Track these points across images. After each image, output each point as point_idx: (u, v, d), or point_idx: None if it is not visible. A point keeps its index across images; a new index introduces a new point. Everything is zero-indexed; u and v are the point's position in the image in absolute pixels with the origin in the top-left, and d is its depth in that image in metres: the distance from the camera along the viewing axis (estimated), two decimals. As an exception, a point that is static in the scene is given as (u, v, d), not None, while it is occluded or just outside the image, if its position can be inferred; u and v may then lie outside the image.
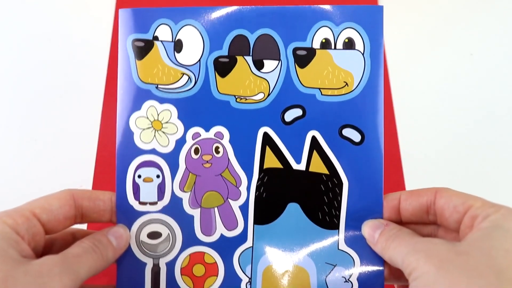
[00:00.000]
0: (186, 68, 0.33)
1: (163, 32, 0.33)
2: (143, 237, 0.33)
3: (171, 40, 0.33)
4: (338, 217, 0.32)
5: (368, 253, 0.32)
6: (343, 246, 0.32)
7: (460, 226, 0.28)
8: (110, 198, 0.33)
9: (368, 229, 0.31)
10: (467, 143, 0.53)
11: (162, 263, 0.33)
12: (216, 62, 0.33)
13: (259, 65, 0.32)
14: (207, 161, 0.33)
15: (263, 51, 0.32)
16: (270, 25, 0.32)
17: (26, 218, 0.28)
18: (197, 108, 0.33)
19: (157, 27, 0.33)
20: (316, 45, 0.32)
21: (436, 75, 0.57)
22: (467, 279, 0.24)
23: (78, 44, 0.57)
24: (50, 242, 0.32)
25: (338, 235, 0.32)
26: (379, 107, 0.32)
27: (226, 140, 0.33)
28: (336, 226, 0.32)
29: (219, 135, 0.33)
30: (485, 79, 0.57)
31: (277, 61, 0.32)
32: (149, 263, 0.33)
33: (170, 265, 0.33)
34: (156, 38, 0.33)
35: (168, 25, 0.33)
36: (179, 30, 0.33)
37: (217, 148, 0.33)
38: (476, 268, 0.24)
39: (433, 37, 0.59)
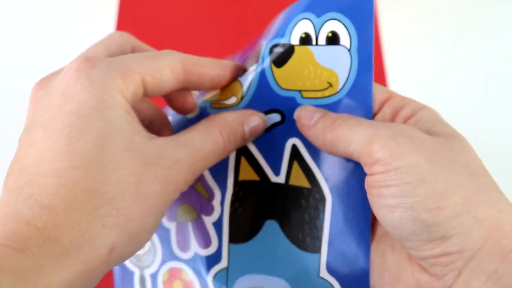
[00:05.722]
0: None
1: None
2: None
3: None
4: (320, 239, 0.28)
5: (350, 282, 0.27)
6: (324, 273, 0.28)
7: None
8: (217, 74, 0.27)
9: (305, 111, 0.27)
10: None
11: (147, 274, 0.32)
12: None
13: None
14: (181, 172, 0.30)
15: None
16: None
17: (136, 86, 0.23)
18: (169, 115, 0.30)
19: None
20: (295, 40, 0.28)
21: (436, 75, 0.57)
22: (470, 179, 0.22)
23: (79, 45, 0.58)
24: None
25: (320, 260, 0.28)
26: (369, 110, 0.27)
27: None
28: (317, 249, 0.28)
29: None
30: (485, 79, 0.57)
31: None
32: (137, 273, 0.32)
33: (154, 278, 0.32)
34: None
35: None
36: None
37: (190, 157, 0.30)
38: (471, 166, 0.22)
39: (433, 37, 0.59)
